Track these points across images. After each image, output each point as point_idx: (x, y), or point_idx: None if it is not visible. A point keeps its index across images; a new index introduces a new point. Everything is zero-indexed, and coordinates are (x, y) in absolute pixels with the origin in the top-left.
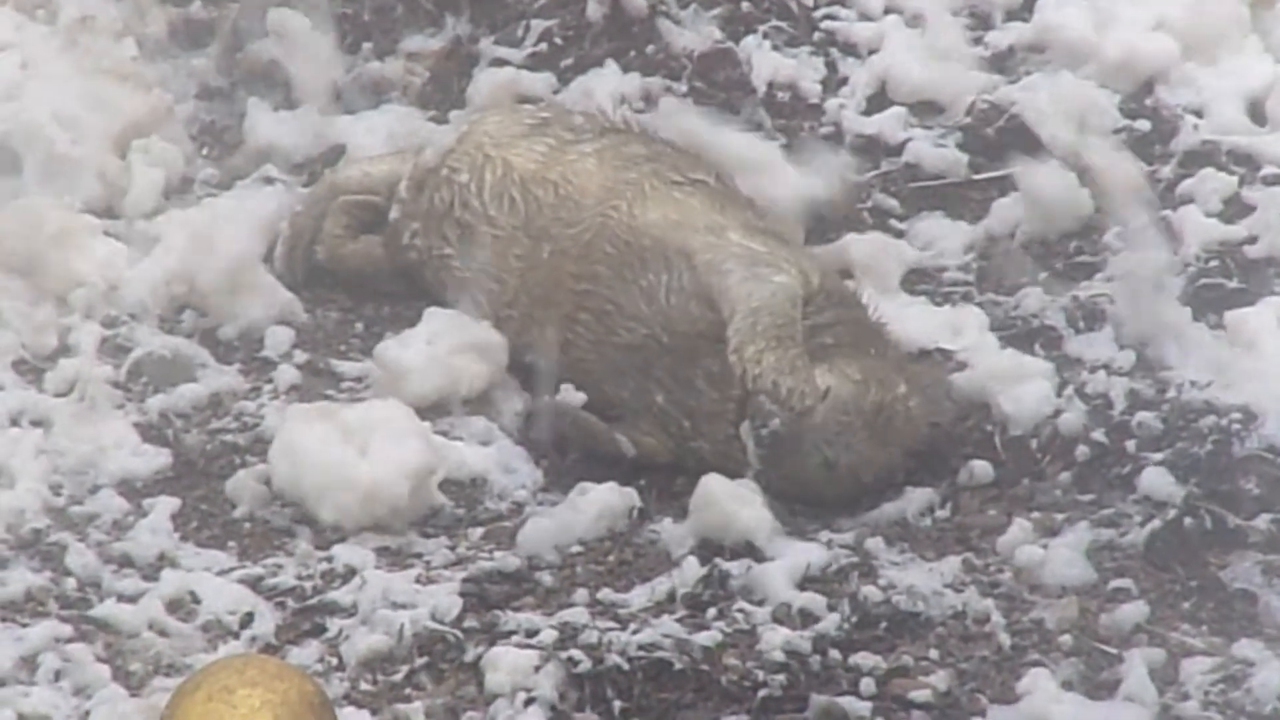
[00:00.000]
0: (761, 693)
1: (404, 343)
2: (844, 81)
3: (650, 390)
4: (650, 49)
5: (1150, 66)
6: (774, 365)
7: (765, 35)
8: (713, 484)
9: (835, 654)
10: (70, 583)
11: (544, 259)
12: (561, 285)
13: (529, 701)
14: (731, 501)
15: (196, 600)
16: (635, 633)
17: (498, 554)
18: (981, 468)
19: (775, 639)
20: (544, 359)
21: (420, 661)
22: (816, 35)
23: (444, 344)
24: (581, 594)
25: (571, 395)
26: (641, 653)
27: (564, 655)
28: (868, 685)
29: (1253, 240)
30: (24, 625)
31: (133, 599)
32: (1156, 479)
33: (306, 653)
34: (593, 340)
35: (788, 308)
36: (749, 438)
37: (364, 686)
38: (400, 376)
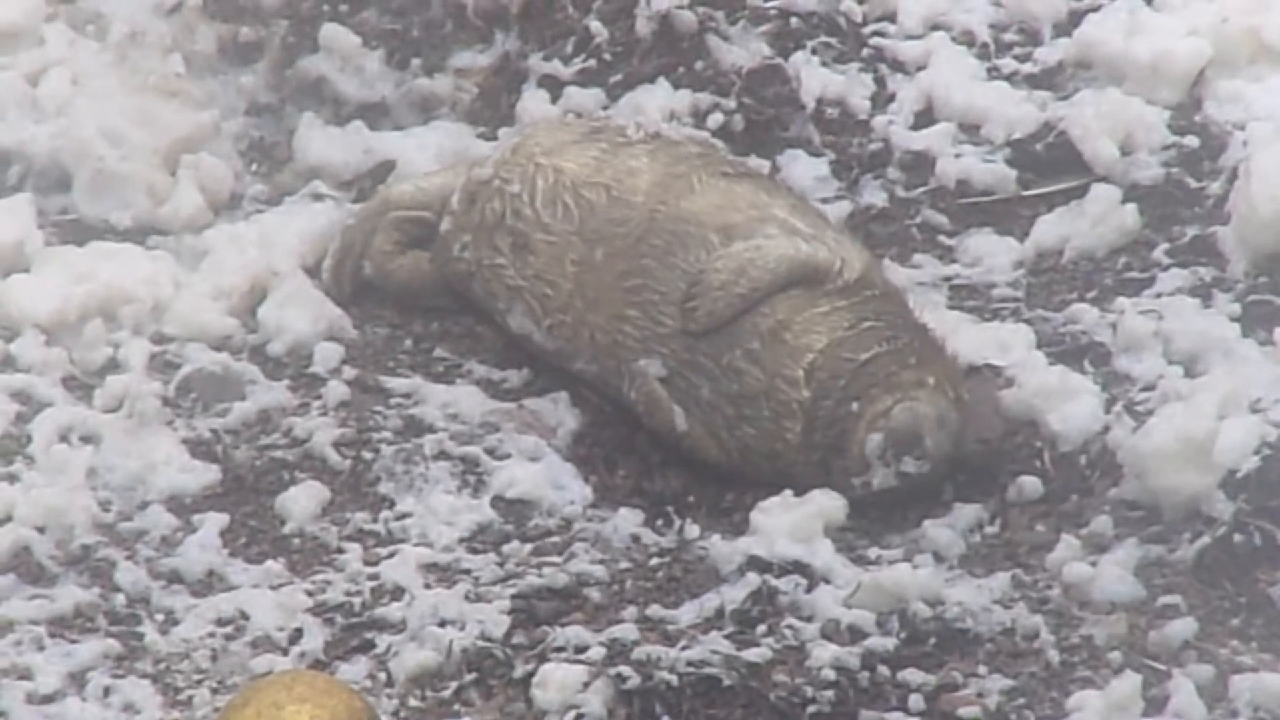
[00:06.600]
0: (810, 709)
1: None
2: (892, 98)
3: (696, 385)
4: (699, 65)
5: (1189, 78)
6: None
7: (814, 51)
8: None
9: (884, 670)
10: (119, 599)
11: (597, 261)
12: (613, 285)
13: (578, 718)
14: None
15: (245, 616)
16: (684, 649)
17: (546, 570)
18: (1030, 484)
19: (824, 655)
20: (595, 364)
21: (469, 678)
22: (865, 51)
23: None
24: (630, 610)
25: (655, 366)
26: (690, 669)
27: (613, 672)
28: (917, 701)
29: None
30: (73, 641)
31: (181, 615)
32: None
33: (355, 669)
34: (640, 338)
35: (782, 269)
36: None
37: (413, 703)
38: None
